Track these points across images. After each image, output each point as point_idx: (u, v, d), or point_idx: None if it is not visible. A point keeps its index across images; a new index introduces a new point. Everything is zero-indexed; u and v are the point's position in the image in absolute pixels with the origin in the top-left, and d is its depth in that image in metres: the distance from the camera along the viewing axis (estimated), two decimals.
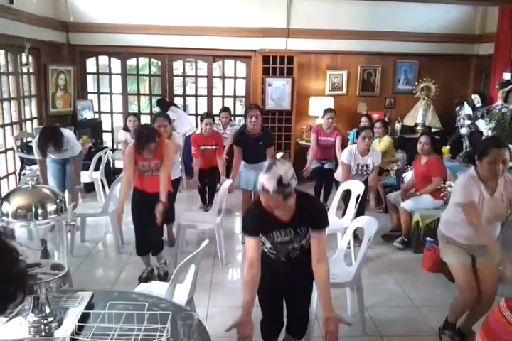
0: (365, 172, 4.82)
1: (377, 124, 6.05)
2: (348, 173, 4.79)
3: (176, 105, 7.18)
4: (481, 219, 2.84)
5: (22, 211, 1.83)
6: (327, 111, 5.89)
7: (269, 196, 2.17)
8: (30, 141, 6.26)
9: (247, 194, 5.06)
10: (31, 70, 6.42)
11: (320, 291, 2.39)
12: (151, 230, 3.91)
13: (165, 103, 6.98)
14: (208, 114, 5.99)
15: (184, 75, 7.97)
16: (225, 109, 6.78)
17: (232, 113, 7.43)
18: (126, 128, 5.82)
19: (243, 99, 7.97)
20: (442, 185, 4.65)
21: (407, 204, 4.89)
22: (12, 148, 6.03)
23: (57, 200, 1.92)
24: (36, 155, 4.75)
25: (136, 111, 7.67)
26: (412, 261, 4.64)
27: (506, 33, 6.57)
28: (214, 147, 5.61)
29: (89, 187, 6.22)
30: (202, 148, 5.60)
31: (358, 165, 4.80)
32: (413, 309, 3.72)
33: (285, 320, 2.79)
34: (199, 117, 6.04)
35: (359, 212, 4.37)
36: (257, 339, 2.90)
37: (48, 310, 1.87)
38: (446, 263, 4.09)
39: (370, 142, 4.81)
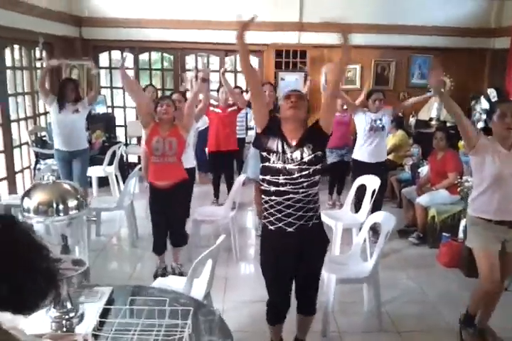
0: (380, 125, 4.76)
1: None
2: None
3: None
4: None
5: (43, 207, 1.84)
6: None
7: (297, 95, 2.54)
8: (45, 136, 6.30)
9: (258, 184, 4.98)
10: (45, 65, 6.42)
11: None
12: (174, 223, 3.99)
13: None
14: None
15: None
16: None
17: None
18: None
19: None
20: (459, 180, 4.60)
21: (423, 199, 4.85)
22: (27, 143, 6.06)
23: (78, 196, 1.93)
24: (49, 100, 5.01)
25: None
26: (428, 256, 4.61)
27: None
28: (231, 110, 5.70)
29: (103, 182, 6.24)
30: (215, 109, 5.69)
31: (371, 119, 4.76)
32: (429, 304, 3.70)
33: (292, 303, 2.77)
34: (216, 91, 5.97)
35: (375, 208, 4.33)
36: (260, 328, 2.91)
37: (69, 306, 1.88)
38: (462, 258, 4.10)
39: (381, 104, 4.81)
